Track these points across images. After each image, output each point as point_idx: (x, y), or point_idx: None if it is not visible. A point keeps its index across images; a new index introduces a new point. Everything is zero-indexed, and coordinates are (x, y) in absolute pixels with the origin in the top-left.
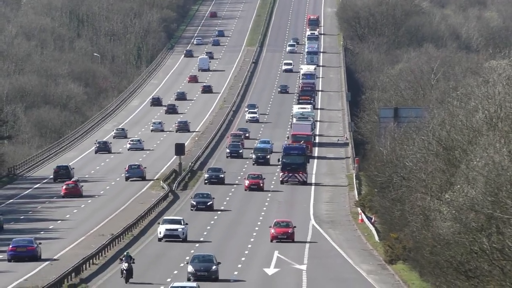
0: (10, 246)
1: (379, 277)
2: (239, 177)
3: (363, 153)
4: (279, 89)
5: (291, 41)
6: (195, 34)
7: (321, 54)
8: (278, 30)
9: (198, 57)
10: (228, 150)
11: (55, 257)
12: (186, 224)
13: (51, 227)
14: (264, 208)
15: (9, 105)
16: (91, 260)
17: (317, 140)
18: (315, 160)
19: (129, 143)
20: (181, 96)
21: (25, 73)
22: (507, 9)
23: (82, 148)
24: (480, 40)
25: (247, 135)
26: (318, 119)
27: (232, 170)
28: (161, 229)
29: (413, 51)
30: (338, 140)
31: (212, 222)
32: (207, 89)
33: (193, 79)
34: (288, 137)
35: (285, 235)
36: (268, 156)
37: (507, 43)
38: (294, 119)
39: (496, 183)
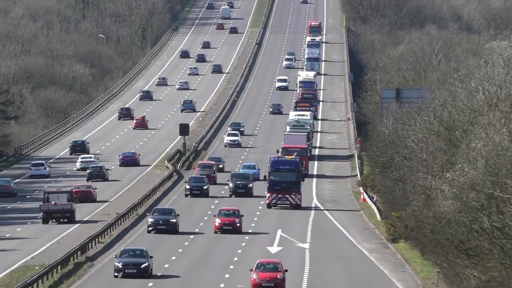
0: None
1: (381, 256)
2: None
3: (365, 134)
4: (271, 109)
5: (287, 55)
6: (199, 16)
7: (323, 62)
8: (282, 11)
9: (220, 8)
10: (187, 186)
11: (62, 235)
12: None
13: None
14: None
15: (15, 86)
16: (96, 239)
17: (316, 152)
18: (318, 138)
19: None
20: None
21: (31, 54)
22: None
23: (87, 129)
24: (481, 22)
25: (220, 166)
26: (319, 130)
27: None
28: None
29: (414, 32)
30: (341, 120)
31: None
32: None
33: (220, 27)
34: (278, 151)
35: (272, 283)
36: (251, 185)
37: (508, 24)
38: (288, 128)
39: (496, 163)
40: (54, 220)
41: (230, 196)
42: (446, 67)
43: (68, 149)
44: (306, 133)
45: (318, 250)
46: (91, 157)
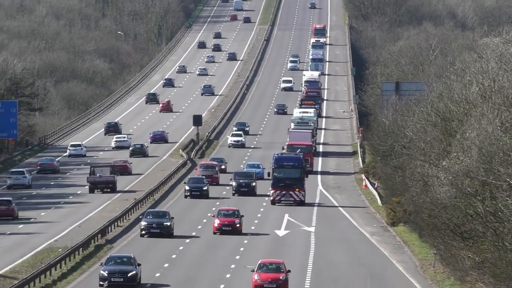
0: None
1: (382, 238)
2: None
3: (366, 124)
4: (275, 109)
5: (292, 57)
6: (211, 14)
7: (327, 63)
8: (288, 10)
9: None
10: (187, 187)
11: (84, 219)
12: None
13: (79, 192)
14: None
15: (40, 80)
16: (115, 223)
17: (320, 149)
18: (322, 131)
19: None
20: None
21: (55, 50)
22: None
23: (116, 113)
24: (475, 19)
25: (223, 166)
26: (323, 127)
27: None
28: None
29: (413, 29)
30: (344, 111)
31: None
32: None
33: (234, 18)
34: (283, 147)
35: (274, 284)
36: (254, 184)
37: (500, 21)
38: (292, 124)
39: (489, 152)
40: (99, 190)
41: (233, 195)
42: (442, 62)
43: (103, 129)
44: (311, 130)
45: (323, 233)
46: (124, 137)
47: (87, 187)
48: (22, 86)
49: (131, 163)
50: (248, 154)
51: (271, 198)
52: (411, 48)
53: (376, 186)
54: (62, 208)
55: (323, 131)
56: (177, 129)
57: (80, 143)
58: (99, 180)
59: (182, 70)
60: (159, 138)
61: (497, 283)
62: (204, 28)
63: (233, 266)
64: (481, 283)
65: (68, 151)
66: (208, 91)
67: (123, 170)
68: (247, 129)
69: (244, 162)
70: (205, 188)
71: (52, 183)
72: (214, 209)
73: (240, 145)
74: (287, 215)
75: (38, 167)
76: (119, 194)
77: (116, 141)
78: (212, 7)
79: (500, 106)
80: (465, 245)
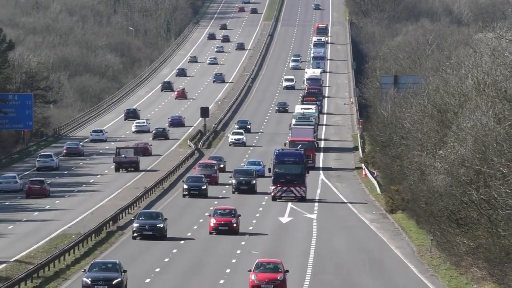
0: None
1: (381, 225)
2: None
3: (366, 116)
4: (276, 107)
5: (294, 56)
6: (218, 10)
7: (328, 61)
8: (291, 7)
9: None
10: (185, 186)
11: (96, 207)
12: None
13: (91, 181)
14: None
15: (54, 73)
16: (126, 210)
17: (322, 145)
18: (323, 127)
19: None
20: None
21: (68, 45)
22: None
23: (119, 111)
24: (470, 15)
25: (221, 165)
26: (324, 123)
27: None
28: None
29: (410, 25)
30: (345, 104)
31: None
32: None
33: (241, 9)
34: (285, 144)
35: (272, 285)
36: (254, 181)
37: (494, 17)
38: (293, 120)
39: (483, 142)
40: (124, 169)
41: (233, 192)
42: (439, 56)
43: (123, 115)
44: (312, 126)
45: (324, 220)
46: (143, 122)
47: (112, 167)
48: (37, 80)
49: (151, 145)
50: (249, 152)
51: (272, 194)
52: (409, 43)
53: (375, 175)
54: (76, 196)
55: (324, 127)
56: (185, 120)
57: (101, 128)
58: (124, 160)
59: (194, 60)
60: (177, 122)
61: (491, 268)
62: (211, 24)
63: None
64: (476, 267)
65: (90, 136)
66: (219, 78)
67: (145, 151)
68: (249, 127)
69: (244, 160)
70: (203, 187)
71: (65, 172)
72: (211, 208)
73: (241, 144)
74: (290, 203)
75: (65, 151)
76: (142, 173)
77: (136, 125)
78: (219, 3)
79: (494, 99)
80: (460, 231)
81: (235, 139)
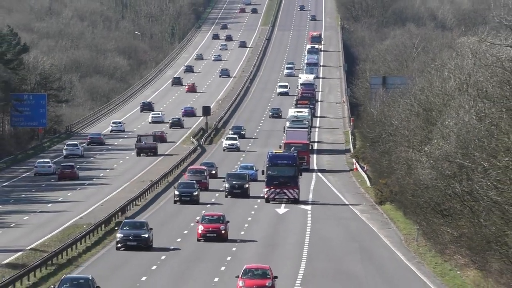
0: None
1: (370, 215)
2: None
3: (357, 114)
4: (270, 113)
5: (288, 64)
6: (218, 16)
7: (321, 67)
8: (287, 13)
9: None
10: (176, 192)
11: (106, 199)
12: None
13: (101, 174)
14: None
15: (66, 75)
16: (134, 202)
17: (315, 146)
18: (318, 119)
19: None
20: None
21: (79, 48)
22: None
23: (126, 110)
24: (453, 20)
25: (213, 171)
26: (317, 126)
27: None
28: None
29: (398, 29)
30: (337, 103)
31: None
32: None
33: (243, 10)
34: (280, 146)
35: None
36: (247, 185)
37: (475, 23)
38: (287, 123)
39: (465, 139)
40: (144, 154)
41: (226, 196)
42: (424, 59)
43: (139, 107)
44: (307, 129)
45: (318, 211)
46: (159, 113)
47: (133, 153)
48: (50, 81)
49: (166, 133)
50: (243, 156)
51: (265, 196)
52: (396, 47)
53: (365, 169)
54: (86, 189)
55: (317, 129)
56: (188, 119)
57: (120, 120)
58: (144, 146)
59: (200, 57)
60: (190, 112)
61: (473, 255)
62: (212, 28)
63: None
64: (459, 255)
65: (110, 127)
66: (225, 73)
67: (161, 139)
68: (243, 132)
69: (238, 163)
70: (195, 193)
71: (77, 166)
72: (203, 211)
73: (234, 149)
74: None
75: (88, 140)
76: (161, 157)
77: (152, 116)
78: (219, 10)
79: (475, 98)
80: (444, 221)
81: (229, 144)
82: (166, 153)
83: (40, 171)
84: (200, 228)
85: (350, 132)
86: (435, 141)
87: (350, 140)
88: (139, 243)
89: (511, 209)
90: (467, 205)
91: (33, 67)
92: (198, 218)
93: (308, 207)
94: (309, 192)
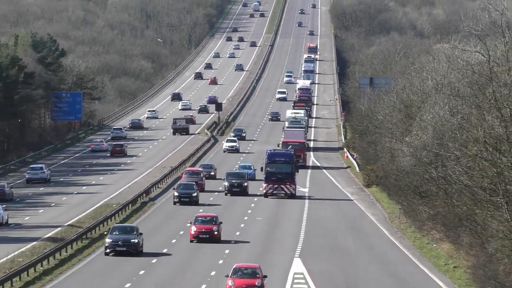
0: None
1: (359, 197)
2: (187, 225)
3: (348, 109)
4: (269, 117)
5: (287, 72)
6: (229, 25)
7: (317, 75)
8: (288, 22)
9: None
10: (175, 194)
11: (132, 182)
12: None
13: (128, 161)
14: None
15: (98, 76)
16: (156, 185)
17: (311, 145)
18: (313, 119)
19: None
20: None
21: (110, 53)
22: (449, 7)
23: (157, 101)
24: (430, 30)
25: (212, 173)
26: (313, 126)
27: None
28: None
29: (383, 37)
30: (330, 100)
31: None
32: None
33: (252, 15)
34: (279, 144)
35: None
36: (246, 184)
37: (449, 32)
38: (286, 123)
39: (441, 131)
40: (179, 133)
41: (226, 194)
42: (405, 62)
43: (169, 97)
44: (303, 129)
45: (314, 193)
46: (186, 102)
47: (169, 134)
48: (85, 81)
49: (195, 117)
50: (242, 158)
51: (264, 191)
52: (382, 52)
53: (355, 157)
54: (116, 174)
55: (313, 129)
56: (202, 114)
57: (154, 109)
58: (179, 127)
59: (217, 56)
60: (213, 100)
61: (447, 231)
62: (224, 35)
63: (213, 273)
64: (435, 230)
65: (146, 114)
66: (239, 68)
67: (191, 121)
68: (244, 135)
69: (238, 163)
70: (194, 194)
71: (141, 134)
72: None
73: (234, 150)
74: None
75: (129, 125)
76: (192, 136)
77: (182, 104)
78: (230, 20)
79: (449, 96)
80: (422, 202)
81: (229, 146)
82: (195, 133)
83: (95, 148)
84: (193, 229)
85: (341, 125)
86: (415, 132)
87: (342, 132)
88: (128, 248)
89: (479, 192)
90: (442, 188)
91: (70, 69)
92: (189, 221)
93: (306, 190)
94: (306, 177)
